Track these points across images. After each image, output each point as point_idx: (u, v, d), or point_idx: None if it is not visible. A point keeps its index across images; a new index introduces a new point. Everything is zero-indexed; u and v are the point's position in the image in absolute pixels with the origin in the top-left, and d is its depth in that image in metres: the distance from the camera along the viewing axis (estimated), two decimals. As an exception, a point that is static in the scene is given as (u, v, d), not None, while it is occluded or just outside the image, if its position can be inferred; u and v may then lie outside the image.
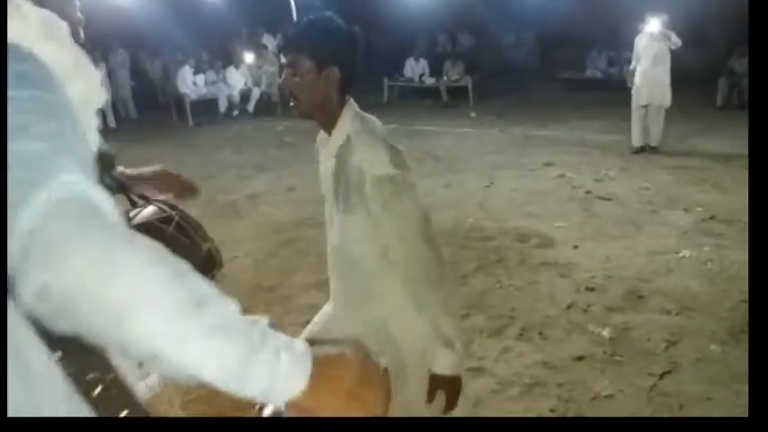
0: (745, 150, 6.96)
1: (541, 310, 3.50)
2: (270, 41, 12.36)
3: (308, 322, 3.35)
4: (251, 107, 11.81)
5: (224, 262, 3.63)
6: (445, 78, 12.04)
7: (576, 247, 4.40)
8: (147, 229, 1.27)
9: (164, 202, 1.38)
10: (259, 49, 12.41)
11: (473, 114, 10.46)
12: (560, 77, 12.60)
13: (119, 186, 1.47)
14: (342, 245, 1.64)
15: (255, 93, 11.95)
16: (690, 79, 8.54)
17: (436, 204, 5.31)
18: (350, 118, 1.55)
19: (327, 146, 1.59)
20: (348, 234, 1.60)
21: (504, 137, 8.59)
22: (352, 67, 1.54)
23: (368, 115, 1.61)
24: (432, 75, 12.30)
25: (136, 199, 1.43)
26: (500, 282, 3.91)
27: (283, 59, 1.53)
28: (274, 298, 3.75)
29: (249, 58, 12.12)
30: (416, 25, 14.14)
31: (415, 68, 12.55)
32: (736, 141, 6.87)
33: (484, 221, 5.04)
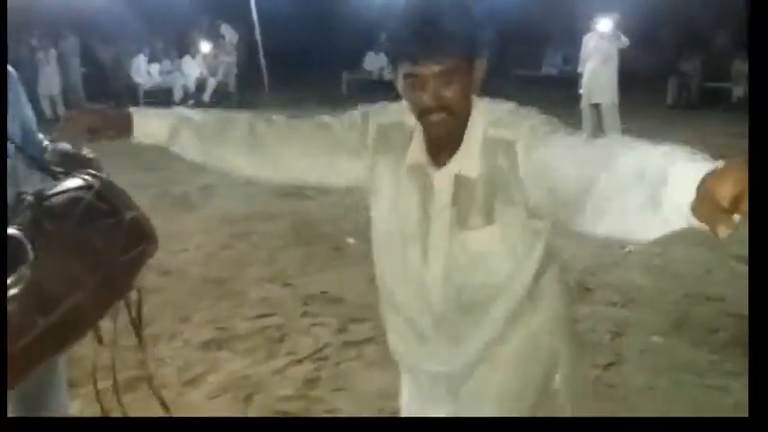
0: (694, 149, 7.23)
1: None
2: (228, 31, 12.18)
3: (259, 316, 3.37)
4: (207, 97, 11.62)
5: (174, 254, 3.55)
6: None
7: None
8: (64, 198, 1.22)
9: (87, 173, 1.31)
10: (217, 38, 12.22)
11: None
12: (516, 74, 12.75)
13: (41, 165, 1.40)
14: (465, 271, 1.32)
15: (212, 83, 11.77)
16: (640, 79, 8.76)
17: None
18: (480, 112, 1.28)
19: (448, 164, 1.29)
20: (486, 249, 1.30)
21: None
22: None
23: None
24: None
25: (58, 172, 1.35)
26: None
27: (424, 66, 1.17)
28: (225, 292, 3.69)
29: (205, 47, 11.92)
30: (376, 18, 14.12)
31: (375, 62, 12.54)
32: (685, 139, 7.05)
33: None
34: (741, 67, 10.00)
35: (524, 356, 1.41)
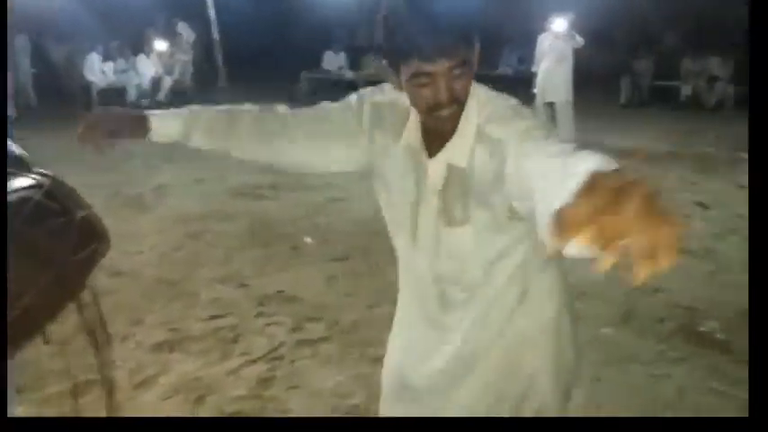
0: (645, 145, 7.34)
1: (447, 298, 3.58)
2: (185, 30, 12.00)
3: (213, 317, 3.33)
4: (162, 96, 11.42)
5: (127, 255, 3.50)
6: (364, 72, 12.06)
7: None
8: (12, 198, 1.19)
9: (37, 172, 1.29)
10: (173, 37, 12.02)
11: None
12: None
13: None
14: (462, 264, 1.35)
15: (167, 81, 11.58)
16: (594, 78, 8.95)
17: (353, 196, 5.32)
18: (476, 102, 1.26)
19: (444, 150, 1.28)
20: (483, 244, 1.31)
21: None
22: None
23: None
24: (351, 68, 12.30)
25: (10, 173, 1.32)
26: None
27: (435, 65, 1.14)
28: (178, 293, 3.64)
29: (161, 45, 11.71)
30: (334, 17, 14.09)
31: (334, 61, 12.51)
32: (637, 137, 7.26)
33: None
34: (689, 65, 10.31)
35: (508, 359, 1.42)
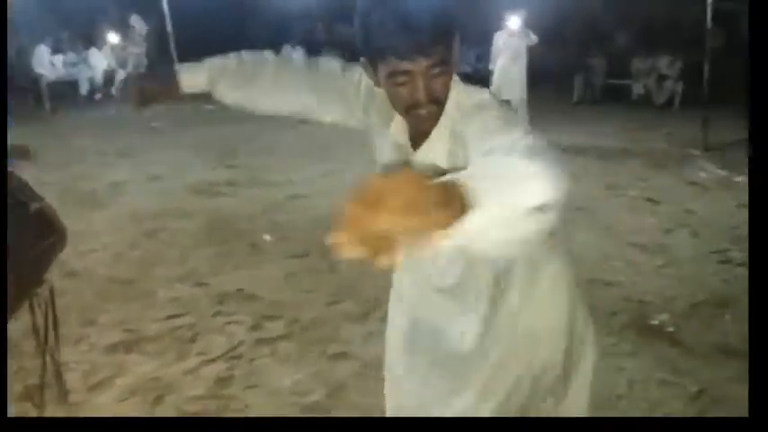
0: (597, 142, 7.51)
1: (406, 294, 3.61)
2: (137, 22, 11.73)
3: (170, 317, 3.29)
4: (115, 90, 11.16)
5: (80, 254, 3.43)
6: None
7: (441, 233, 4.57)
8: None
9: None
10: (125, 29, 11.74)
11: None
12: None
13: None
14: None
15: (120, 75, 11.30)
16: (548, 76, 9.11)
17: (313, 193, 5.31)
18: (454, 100, 1.23)
19: (422, 148, 1.27)
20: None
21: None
22: None
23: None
24: (308, 63, 12.23)
25: None
26: (369, 268, 3.96)
27: (415, 62, 1.13)
28: (133, 292, 3.58)
29: (113, 38, 11.43)
30: (292, 12, 13.97)
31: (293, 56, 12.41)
32: (589, 134, 7.42)
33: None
34: (640, 64, 10.59)
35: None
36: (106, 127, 8.68)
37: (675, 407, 2.57)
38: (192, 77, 1.53)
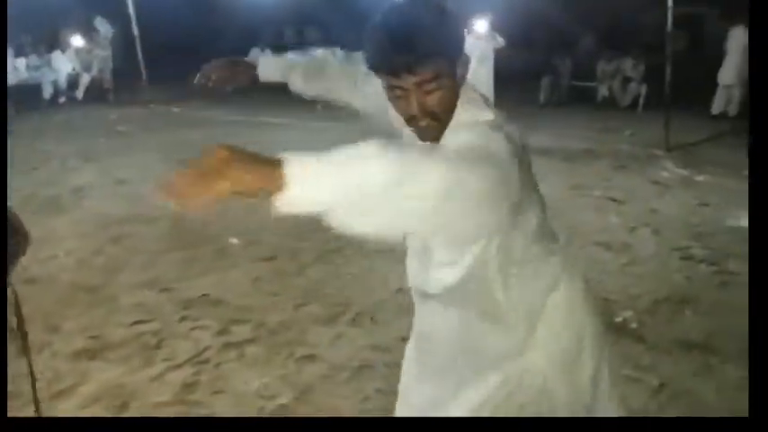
0: (563, 144, 7.62)
1: (374, 295, 3.62)
2: (102, 25, 11.55)
3: (135, 323, 3.25)
4: (80, 94, 10.99)
5: (43, 260, 3.37)
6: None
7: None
8: None
9: None
10: (90, 32, 11.55)
11: (319, 107, 10.47)
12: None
13: None
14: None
15: (85, 79, 11.13)
16: (514, 78, 9.21)
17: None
18: (467, 105, 1.27)
19: None
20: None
21: (350, 130, 8.72)
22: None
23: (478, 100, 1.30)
24: (277, 66, 12.19)
25: None
26: (337, 270, 3.98)
27: (405, 79, 1.18)
28: (97, 299, 3.53)
29: (77, 41, 11.24)
30: (261, 16, 13.92)
31: (260, 59, 12.36)
32: (555, 136, 7.52)
33: (325, 212, 5.10)
34: (605, 67, 10.78)
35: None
36: (71, 131, 8.54)
37: (637, 401, 2.62)
38: (267, 70, 1.73)
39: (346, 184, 0.95)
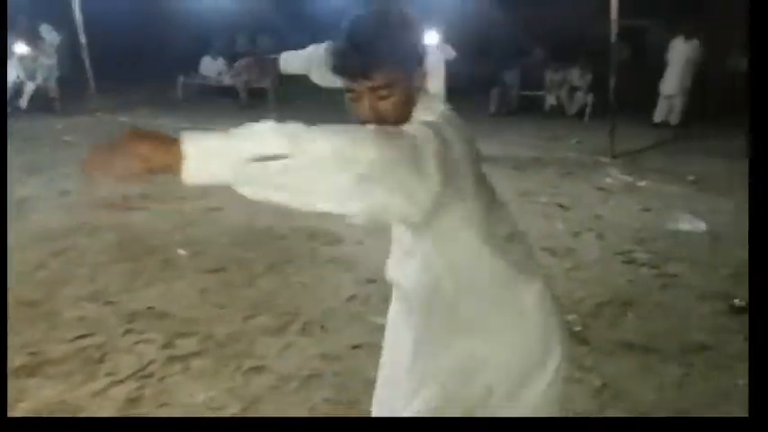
0: (512, 152, 7.75)
1: (325, 304, 3.62)
2: (48, 32, 11.24)
3: (77, 338, 3.16)
4: (24, 103, 10.64)
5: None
6: (244, 78, 11.88)
7: (360, 243, 4.58)
8: None
9: None
10: (35, 40, 11.22)
11: (273, 116, 10.43)
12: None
13: None
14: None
15: (29, 87, 10.80)
16: (465, 89, 9.34)
17: (227, 204, 5.23)
18: (422, 109, 1.35)
19: None
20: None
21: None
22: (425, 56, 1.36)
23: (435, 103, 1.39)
24: (230, 73, 12.08)
25: None
26: (288, 280, 3.96)
27: (359, 83, 1.27)
28: (39, 314, 3.42)
29: (21, 48, 10.90)
30: (212, 22, 13.77)
31: (212, 67, 12.23)
32: (505, 145, 7.67)
33: (277, 222, 5.05)
34: (552, 77, 11.05)
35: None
36: (15, 141, 8.26)
37: (580, 402, 2.69)
38: (289, 64, 1.90)
39: (242, 157, 1.06)
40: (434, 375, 1.48)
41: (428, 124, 1.27)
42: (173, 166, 1.05)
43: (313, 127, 1.12)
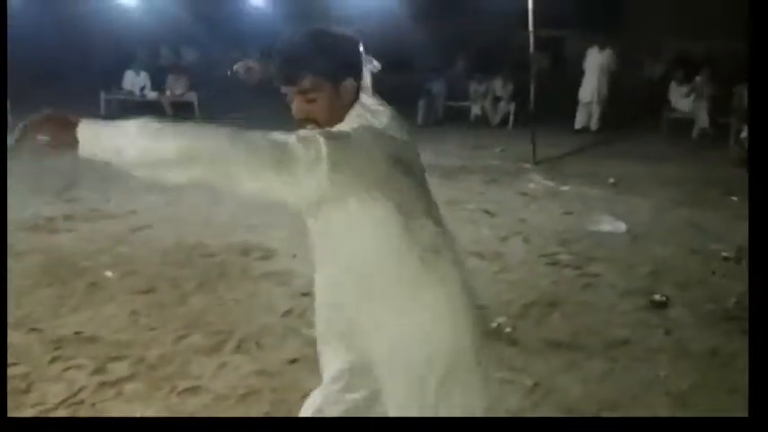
0: (440, 161, 7.90)
1: (260, 320, 3.60)
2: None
3: (0, 366, 3.02)
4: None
5: None
6: (168, 93, 11.66)
7: (294, 256, 4.57)
8: None
9: None
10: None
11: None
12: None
13: None
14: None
15: (-65, 107, 10.22)
16: (393, 100, 9.48)
17: (156, 222, 5.13)
18: (354, 116, 1.54)
19: None
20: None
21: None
22: (361, 72, 1.58)
23: (376, 106, 1.60)
24: (153, 88, 11.80)
25: None
26: (221, 297, 3.92)
27: (288, 87, 1.51)
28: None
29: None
30: (135, 36, 13.43)
31: (136, 81, 11.91)
32: (432, 154, 7.80)
33: (207, 238, 4.98)
34: (477, 87, 11.38)
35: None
36: None
37: (513, 401, 2.79)
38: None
39: (123, 142, 1.35)
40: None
41: (357, 127, 1.48)
42: (71, 145, 1.38)
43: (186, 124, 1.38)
